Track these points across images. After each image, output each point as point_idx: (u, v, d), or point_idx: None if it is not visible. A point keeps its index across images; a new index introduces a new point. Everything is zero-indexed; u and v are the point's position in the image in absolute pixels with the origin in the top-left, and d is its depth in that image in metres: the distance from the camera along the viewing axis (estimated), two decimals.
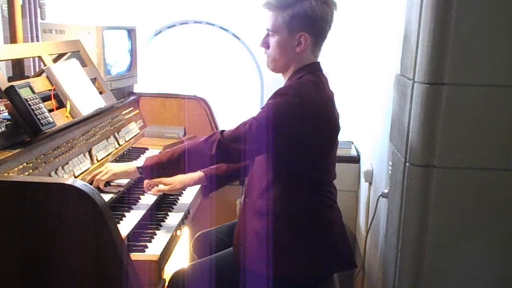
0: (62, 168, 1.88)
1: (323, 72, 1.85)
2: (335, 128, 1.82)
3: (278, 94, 1.74)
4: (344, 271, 2.02)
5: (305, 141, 1.73)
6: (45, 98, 1.95)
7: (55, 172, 1.83)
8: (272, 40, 1.79)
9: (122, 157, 2.36)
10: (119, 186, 2.00)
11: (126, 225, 1.77)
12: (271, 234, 1.76)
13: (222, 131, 1.80)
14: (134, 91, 2.97)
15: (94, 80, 2.38)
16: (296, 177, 1.79)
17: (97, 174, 1.95)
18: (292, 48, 1.77)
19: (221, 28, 4.37)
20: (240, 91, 4.46)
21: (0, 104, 1.72)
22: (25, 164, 1.69)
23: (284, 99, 1.70)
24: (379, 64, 2.27)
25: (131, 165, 1.96)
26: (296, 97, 1.69)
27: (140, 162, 1.93)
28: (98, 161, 2.15)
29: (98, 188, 1.90)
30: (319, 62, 1.84)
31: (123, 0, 4.11)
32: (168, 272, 1.97)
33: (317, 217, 1.81)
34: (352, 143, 2.95)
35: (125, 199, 1.99)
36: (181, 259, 2.45)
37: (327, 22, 1.76)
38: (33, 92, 1.83)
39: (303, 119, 1.70)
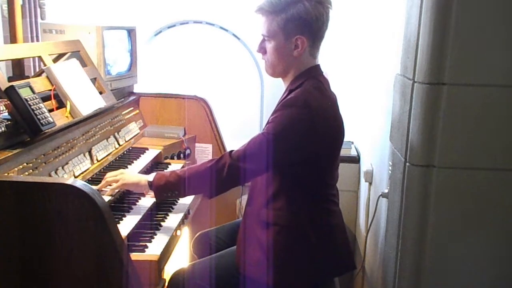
0: (62, 168, 1.88)
1: (324, 74, 1.83)
2: (342, 132, 1.81)
3: (285, 106, 1.70)
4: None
5: (316, 150, 1.71)
6: (45, 98, 1.95)
7: (55, 172, 1.83)
8: (269, 46, 1.76)
9: (122, 157, 2.36)
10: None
11: (126, 225, 1.77)
12: (275, 245, 1.74)
13: (230, 152, 1.75)
14: (134, 91, 2.97)
15: (94, 80, 2.38)
16: (302, 186, 1.77)
17: (109, 177, 1.90)
18: (289, 52, 1.74)
19: (221, 28, 4.38)
20: (240, 91, 4.46)
21: (0, 104, 1.72)
22: (25, 164, 1.69)
23: (293, 111, 1.67)
24: (379, 64, 2.27)
25: (143, 179, 1.87)
26: (305, 108, 1.66)
27: (151, 176, 1.86)
28: (98, 161, 2.15)
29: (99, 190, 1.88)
30: (318, 65, 1.82)
31: (123, 0, 4.12)
32: (168, 272, 1.97)
33: (320, 226, 1.79)
34: (352, 143, 2.95)
35: (125, 199, 1.98)
36: (181, 259, 2.45)
37: (323, 22, 1.73)
38: (33, 92, 1.83)
39: (314, 128, 1.67)
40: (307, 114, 1.66)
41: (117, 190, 1.92)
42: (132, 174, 1.95)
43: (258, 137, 1.71)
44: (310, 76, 1.76)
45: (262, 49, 1.80)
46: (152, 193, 1.87)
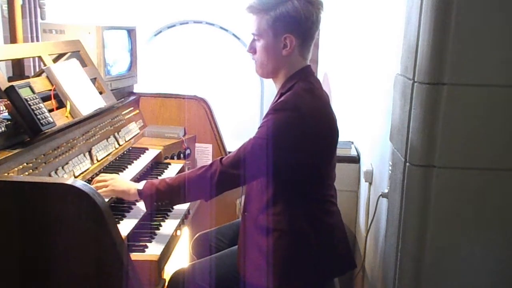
0: (62, 168, 1.88)
1: (315, 75, 1.81)
2: (336, 133, 1.80)
3: (275, 109, 1.69)
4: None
5: (309, 153, 1.70)
6: (45, 98, 1.95)
7: (55, 172, 1.83)
8: (258, 45, 1.76)
9: (122, 157, 2.36)
10: None
11: (126, 225, 1.77)
12: (276, 250, 1.74)
13: (221, 158, 1.74)
14: (134, 91, 2.97)
15: (94, 80, 2.38)
16: (299, 189, 1.76)
17: (99, 181, 1.90)
18: (278, 51, 1.73)
19: (221, 28, 4.38)
20: (240, 91, 4.46)
21: (0, 104, 1.72)
22: (25, 164, 1.69)
23: (283, 114, 1.66)
24: (379, 64, 2.27)
25: (133, 187, 1.85)
26: (295, 111, 1.65)
27: (141, 184, 1.84)
28: (98, 161, 2.15)
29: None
30: (309, 66, 1.81)
31: (123, 0, 4.12)
32: (168, 272, 1.97)
33: (319, 227, 1.78)
34: (352, 143, 2.95)
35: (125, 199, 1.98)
36: (181, 259, 2.45)
37: (313, 22, 1.72)
38: (33, 92, 1.83)
39: (305, 131, 1.67)
40: (297, 117, 1.65)
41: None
42: (123, 181, 1.92)
43: (249, 143, 1.70)
44: (300, 78, 1.75)
45: (252, 49, 1.79)
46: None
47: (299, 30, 1.72)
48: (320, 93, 1.78)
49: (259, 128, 1.71)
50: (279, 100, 1.72)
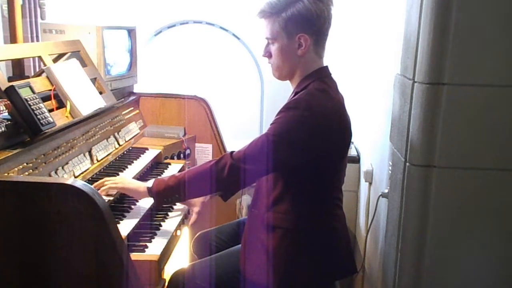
0: (62, 168, 1.88)
1: (331, 76, 1.80)
2: (347, 135, 1.79)
3: (287, 108, 1.69)
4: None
5: (317, 153, 1.70)
6: (45, 98, 1.95)
7: (55, 172, 1.83)
8: (273, 48, 1.76)
9: (122, 157, 2.36)
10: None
11: (126, 225, 1.77)
12: (279, 248, 1.74)
13: (231, 152, 1.74)
14: (134, 91, 2.97)
15: (94, 80, 2.38)
16: (306, 189, 1.76)
17: (108, 180, 1.91)
18: (293, 51, 1.73)
19: (221, 28, 4.38)
20: (240, 91, 4.46)
21: (0, 104, 1.72)
22: (25, 164, 1.69)
23: (295, 113, 1.66)
24: (379, 64, 2.27)
25: (142, 185, 1.87)
26: (306, 110, 1.65)
27: (150, 182, 1.86)
28: (98, 161, 2.15)
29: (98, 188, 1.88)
30: (326, 67, 1.80)
31: (123, 0, 4.12)
32: (168, 272, 1.97)
33: (324, 229, 1.79)
34: (352, 143, 2.95)
35: (125, 199, 1.99)
36: (181, 259, 2.45)
37: (325, 19, 1.72)
38: (33, 92, 1.83)
39: (316, 131, 1.66)
40: (308, 116, 1.65)
41: (115, 192, 1.92)
42: (132, 180, 1.96)
43: (260, 139, 1.70)
44: (316, 78, 1.75)
45: (268, 53, 1.79)
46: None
47: (312, 28, 1.72)
48: (335, 94, 1.77)
49: (270, 125, 1.72)
50: (292, 99, 1.73)
